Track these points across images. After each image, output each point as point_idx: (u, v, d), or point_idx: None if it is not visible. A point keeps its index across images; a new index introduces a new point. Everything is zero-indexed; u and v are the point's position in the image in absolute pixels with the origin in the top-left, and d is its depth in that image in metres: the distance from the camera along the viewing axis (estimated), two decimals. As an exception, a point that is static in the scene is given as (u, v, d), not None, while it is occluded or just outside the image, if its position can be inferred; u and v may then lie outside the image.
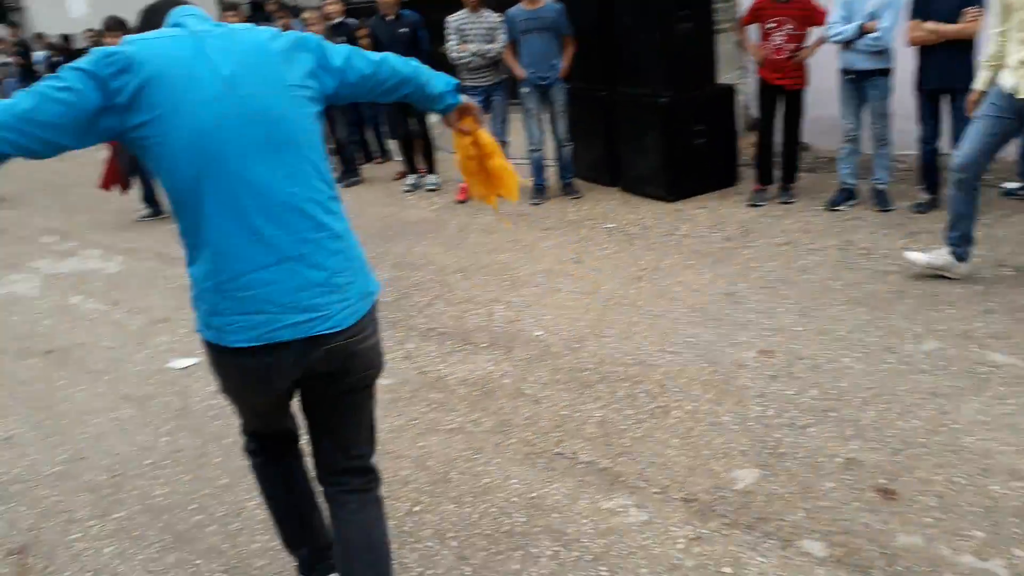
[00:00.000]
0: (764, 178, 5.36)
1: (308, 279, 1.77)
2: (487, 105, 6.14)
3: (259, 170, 1.70)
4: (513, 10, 5.85)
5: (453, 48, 6.02)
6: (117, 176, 6.36)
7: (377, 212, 6.28)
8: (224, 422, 3.33)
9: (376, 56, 1.95)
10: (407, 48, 6.21)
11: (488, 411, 3.21)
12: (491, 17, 5.97)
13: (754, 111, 5.88)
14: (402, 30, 6.29)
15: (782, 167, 5.33)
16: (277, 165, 1.72)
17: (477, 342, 3.82)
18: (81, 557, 2.59)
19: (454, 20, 6.01)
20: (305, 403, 1.98)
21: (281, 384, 1.86)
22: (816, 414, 2.95)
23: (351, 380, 1.93)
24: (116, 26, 6.02)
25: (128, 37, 1.68)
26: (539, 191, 6.11)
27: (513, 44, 5.88)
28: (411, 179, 6.82)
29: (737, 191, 5.68)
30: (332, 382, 1.90)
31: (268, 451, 2.14)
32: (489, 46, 5.96)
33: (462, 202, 6.24)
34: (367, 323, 1.92)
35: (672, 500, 2.58)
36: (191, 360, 3.91)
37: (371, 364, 1.98)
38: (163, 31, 1.73)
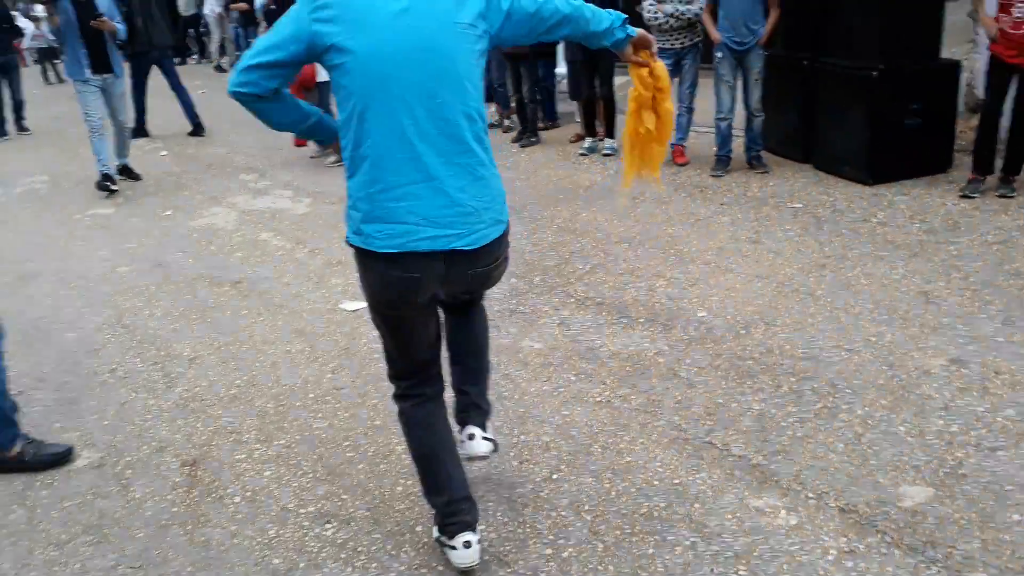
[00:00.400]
0: (982, 167, 4.77)
1: (451, 199, 1.96)
2: (677, 69, 5.90)
3: (420, 96, 1.90)
4: (715, -31, 5.55)
5: (649, 8, 5.81)
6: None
7: (549, 174, 6.24)
8: (384, 365, 3.45)
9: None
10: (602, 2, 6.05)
11: (637, 388, 3.10)
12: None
13: (980, 91, 5.24)
14: None
15: (1005, 156, 4.72)
16: (437, 94, 1.91)
17: (635, 316, 3.71)
18: (243, 477, 2.79)
19: (652, -22, 5.81)
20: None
21: (422, 296, 2.05)
22: (1009, 437, 2.61)
23: (476, 296, 2.35)
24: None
25: None
26: (722, 163, 5.82)
27: (713, 5, 5.58)
28: (588, 142, 6.71)
29: (948, 179, 5.12)
30: (463, 296, 2.27)
31: (415, 397, 2.28)
32: (687, 7, 5.70)
33: None
34: (499, 246, 2.10)
35: (828, 508, 2.38)
36: (360, 304, 4.09)
37: (494, 283, 2.27)
38: None
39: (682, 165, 6.04)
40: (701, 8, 5.66)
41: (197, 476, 2.81)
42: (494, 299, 3.99)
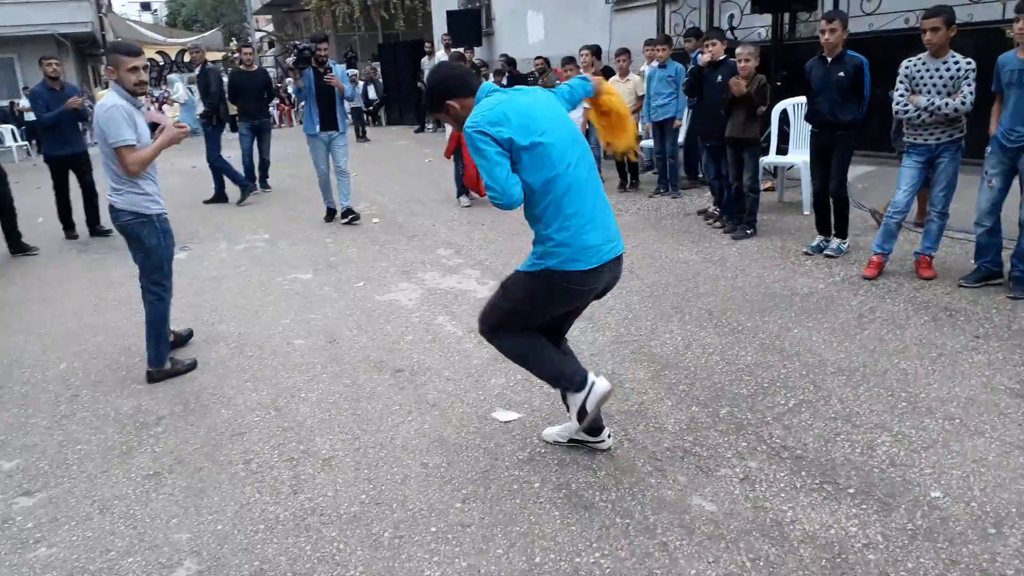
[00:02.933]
0: None
1: (607, 224, 2.94)
2: (930, 168, 4.98)
3: (580, 168, 2.87)
4: (1004, 56, 4.63)
5: (899, 99, 4.97)
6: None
7: (758, 274, 5.48)
8: (520, 501, 2.96)
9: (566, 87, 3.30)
10: (842, 92, 5.32)
11: (835, 598, 2.33)
12: (957, 64, 4.78)
13: None
14: (840, 73, 5.36)
15: None
16: (584, 165, 2.91)
17: (842, 483, 2.91)
18: (330, 629, 2.39)
19: (907, 65, 4.97)
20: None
21: (595, 291, 3.03)
22: None
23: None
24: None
25: (489, 101, 2.84)
26: (974, 274, 4.78)
27: (1000, 96, 4.66)
28: (816, 240, 5.86)
29: None
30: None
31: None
32: (945, 100, 4.78)
33: (870, 278, 5.14)
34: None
35: None
36: (514, 415, 3.64)
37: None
38: (499, 94, 2.87)
39: (927, 279, 5.03)
40: (964, 104, 4.71)
41: (280, 620, 2.45)
42: (666, 432, 3.36)
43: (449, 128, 9.04)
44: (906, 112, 4.95)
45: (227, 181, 9.97)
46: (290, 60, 8.43)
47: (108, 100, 4.08)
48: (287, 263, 6.77)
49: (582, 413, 3.06)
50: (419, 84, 17.87)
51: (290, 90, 21.31)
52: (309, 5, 25.55)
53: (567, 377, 3.08)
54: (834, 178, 5.54)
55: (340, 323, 5.12)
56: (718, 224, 6.87)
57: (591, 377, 3.05)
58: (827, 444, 3.19)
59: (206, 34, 33.06)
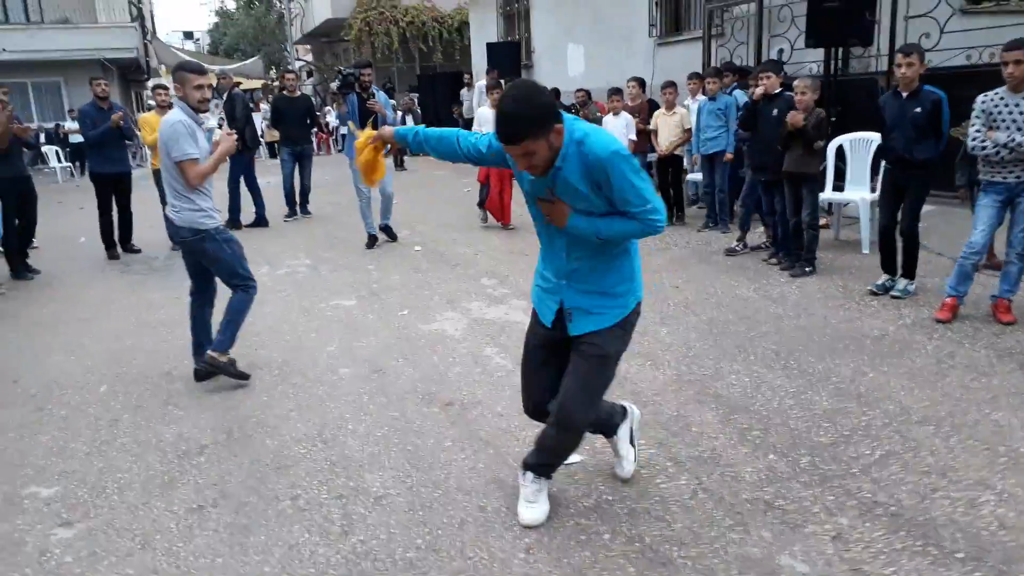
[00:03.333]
0: None
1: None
2: (1009, 208, 4.74)
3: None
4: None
5: (975, 134, 4.74)
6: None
7: (823, 314, 5.22)
8: (591, 553, 2.72)
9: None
10: (918, 128, 5.11)
11: None
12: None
13: None
14: (916, 109, 5.15)
15: None
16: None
17: (947, 547, 2.64)
18: None
19: (984, 100, 4.75)
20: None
21: None
22: None
23: None
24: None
25: (581, 124, 2.53)
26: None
27: None
28: (883, 279, 5.59)
29: None
30: None
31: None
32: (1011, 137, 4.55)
33: (943, 322, 4.86)
34: None
35: None
36: (576, 457, 3.40)
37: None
38: (570, 118, 2.52)
39: (1007, 323, 4.74)
40: None
41: None
42: (744, 483, 3.12)
43: None
44: (983, 149, 4.72)
45: (266, 204, 9.94)
46: (334, 85, 8.44)
47: (173, 116, 4.18)
48: (329, 289, 6.63)
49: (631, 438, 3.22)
50: (454, 115, 17.97)
51: (329, 118, 21.58)
52: (349, 36, 25.85)
53: (618, 413, 3.18)
54: (906, 216, 5.29)
55: (385, 352, 4.94)
56: (774, 261, 6.62)
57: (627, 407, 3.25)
58: (924, 501, 2.92)
59: (247, 62, 33.51)
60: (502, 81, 14.44)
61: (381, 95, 8.09)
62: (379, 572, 2.71)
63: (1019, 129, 4.61)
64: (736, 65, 9.26)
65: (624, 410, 3.20)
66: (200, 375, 4.49)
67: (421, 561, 2.75)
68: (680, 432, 3.61)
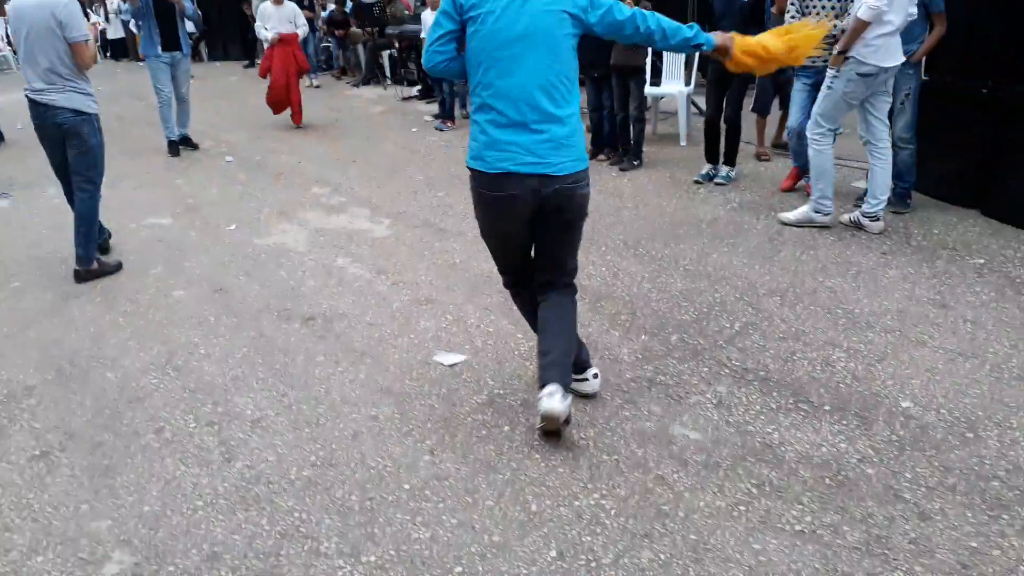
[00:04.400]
0: None
1: (536, 137, 2.54)
2: (815, 88, 5.11)
3: (524, 61, 2.50)
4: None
5: (789, 21, 5.03)
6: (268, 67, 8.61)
7: (659, 204, 5.45)
8: (495, 447, 2.71)
9: (628, 12, 2.56)
10: (745, 19, 5.30)
11: (851, 515, 2.29)
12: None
13: None
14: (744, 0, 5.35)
15: None
16: (535, 59, 2.50)
17: (817, 402, 2.89)
18: (322, 611, 2.05)
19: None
20: (536, 234, 2.73)
21: (513, 212, 2.63)
22: None
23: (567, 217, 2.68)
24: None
25: None
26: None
27: None
28: (706, 168, 5.91)
29: None
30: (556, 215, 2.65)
31: (517, 285, 2.92)
32: (833, 23, 4.88)
33: (787, 191, 5.35)
34: (581, 176, 2.62)
35: None
36: (458, 356, 3.35)
37: (581, 208, 2.69)
38: None
39: (787, 191, 5.27)
40: (837, 24, 4.85)
41: (262, 607, 2.08)
42: (624, 363, 3.22)
43: (265, 46, 8.86)
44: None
45: None
46: None
47: None
48: (137, 208, 5.95)
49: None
50: (247, 14, 16.47)
51: (95, 18, 19.06)
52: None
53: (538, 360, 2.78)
54: (730, 105, 5.58)
55: (223, 271, 4.55)
56: (602, 157, 6.78)
57: (548, 388, 2.58)
58: (787, 364, 3.17)
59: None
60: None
61: None
62: (276, 494, 2.53)
63: (827, 17, 4.94)
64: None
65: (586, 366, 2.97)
66: (81, 278, 4.46)
67: (321, 477, 2.60)
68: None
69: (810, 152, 4.63)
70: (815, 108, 4.63)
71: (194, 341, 3.65)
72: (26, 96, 4.26)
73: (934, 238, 4.45)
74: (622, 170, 6.37)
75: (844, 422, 2.75)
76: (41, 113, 4.23)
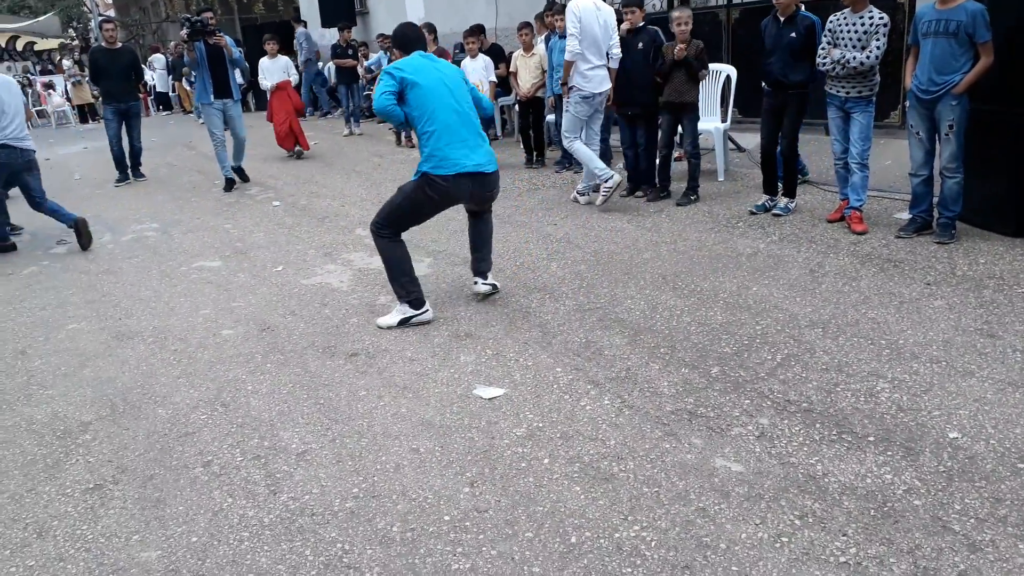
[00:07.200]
0: None
1: (473, 149, 4.08)
2: (845, 119, 5.15)
3: (459, 106, 4.06)
4: (921, 7, 4.75)
5: (820, 51, 5.10)
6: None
7: (698, 238, 5.45)
8: (534, 479, 2.72)
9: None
10: (794, 53, 5.36)
11: (898, 547, 2.24)
12: (872, 18, 4.92)
13: None
14: (792, 34, 5.38)
15: None
16: (464, 105, 4.09)
17: (859, 432, 2.85)
18: (364, 641, 2.07)
19: (832, 19, 5.11)
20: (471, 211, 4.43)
21: (461, 197, 4.17)
22: None
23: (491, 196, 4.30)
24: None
25: (399, 61, 4.10)
26: (910, 225, 4.97)
27: (914, 49, 4.79)
28: (763, 200, 5.91)
29: None
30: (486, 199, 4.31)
31: (397, 236, 4.26)
32: (855, 54, 4.93)
33: (832, 221, 5.37)
34: (497, 175, 4.22)
35: None
36: (498, 390, 3.38)
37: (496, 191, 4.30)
38: (414, 57, 4.12)
39: (860, 234, 5.15)
40: (869, 57, 4.88)
41: (305, 638, 2.11)
42: (664, 396, 3.21)
43: (269, 95, 10.31)
44: (823, 64, 5.11)
45: (91, 169, 9.06)
46: (183, 33, 8.10)
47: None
48: (187, 252, 6.16)
49: (404, 323, 4.18)
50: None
51: (149, 74, 19.90)
52: (158, -15, 23.76)
53: (415, 293, 4.20)
54: (786, 138, 5.59)
55: (269, 310, 4.67)
56: (640, 193, 6.81)
57: (425, 307, 4.23)
58: (830, 395, 3.13)
59: (41, 19, 30.00)
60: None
61: (228, 39, 8.12)
62: (320, 525, 2.57)
63: (853, 47, 4.97)
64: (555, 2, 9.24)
65: (419, 302, 4.25)
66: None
67: (363, 509, 2.64)
68: (593, 357, 3.66)
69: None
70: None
71: (241, 378, 3.74)
72: None
73: (980, 267, 4.38)
74: (678, 205, 6.35)
75: (889, 453, 2.71)
76: (14, 155, 6.19)
